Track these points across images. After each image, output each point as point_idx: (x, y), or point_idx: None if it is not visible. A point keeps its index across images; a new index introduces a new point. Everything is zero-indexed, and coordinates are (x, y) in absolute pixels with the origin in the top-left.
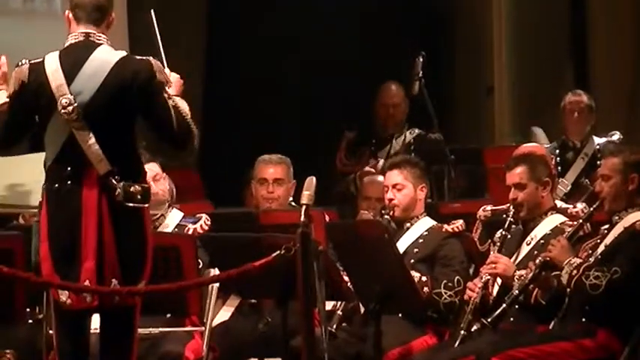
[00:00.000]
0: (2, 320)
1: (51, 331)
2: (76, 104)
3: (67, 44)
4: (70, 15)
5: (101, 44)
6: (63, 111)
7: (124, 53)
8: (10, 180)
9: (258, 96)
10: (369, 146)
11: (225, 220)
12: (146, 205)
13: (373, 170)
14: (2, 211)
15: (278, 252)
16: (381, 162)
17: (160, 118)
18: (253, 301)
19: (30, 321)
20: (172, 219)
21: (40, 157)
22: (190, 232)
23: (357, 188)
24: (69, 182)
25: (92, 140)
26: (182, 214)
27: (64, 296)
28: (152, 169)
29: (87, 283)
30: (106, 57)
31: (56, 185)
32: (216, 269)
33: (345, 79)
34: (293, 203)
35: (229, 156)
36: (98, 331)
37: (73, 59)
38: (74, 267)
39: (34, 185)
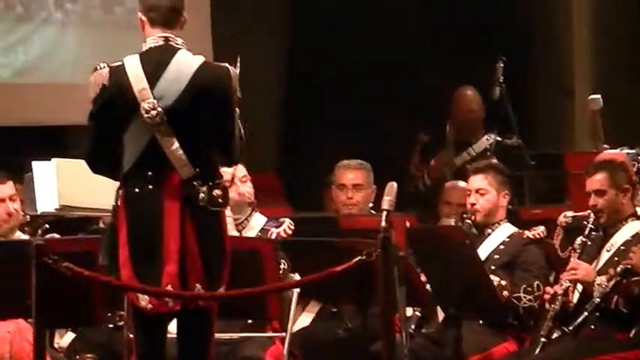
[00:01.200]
0: (83, 324)
1: (131, 335)
2: (159, 109)
3: (146, 48)
4: (144, 17)
5: (180, 49)
6: (146, 115)
7: (202, 58)
8: (91, 183)
9: (338, 101)
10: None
11: (305, 224)
12: (224, 209)
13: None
14: (82, 214)
15: (359, 257)
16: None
17: (227, 126)
18: (334, 309)
19: (110, 325)
20: (256, 223)
21: None
22: (274, 237)
23: (425, 186)
24: (150, 186)
25: (175, 145)
26: (265, 218)
27: (143, 301)
28: (240, 170)
29: (169, 287)
30: (187, 62)
31: (136, 189)
32: (297, 274)
33: (422, 83)
34: (372, 211)
35: (309, 160)
36: (174, 334)
37: (155, 63)
38: (155, 271)
39: (113, 189)
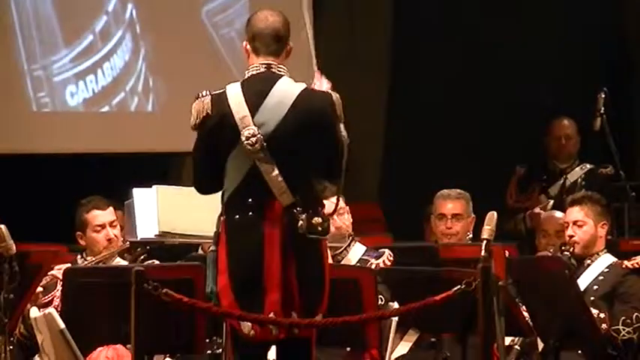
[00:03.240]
0: (182, 351)
1: None
2: (259, 136)
3: (248, 75)
4: (248, 46)
5: (282, 76)
6: (247, 142)
7: (304, 85)
8: (191, 210)
9: (437, 132)
10: (540, 182)
11: (405, 253)
12: (326, 237)
13: (542, 212)
14: (182, 241)
15: (459, 286)
16: (551, 203)
17: (333, 154)
18: (433, 339)
19: (208, 352)
20: (355, 253)
21: None
22: (373, 267)
23: (526, 227)
24: (250, 213)
25: (276, 172)
26: (365, 247)
27: (246, 328)
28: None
29: (272, 315)
30: (288, 89)
31: (237, 216)
32: (396, 303)
33: (521, 113)
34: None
35: (410, 190)
36: None
37: (256, 91)
38: (256, 298)
39: (213, 216)
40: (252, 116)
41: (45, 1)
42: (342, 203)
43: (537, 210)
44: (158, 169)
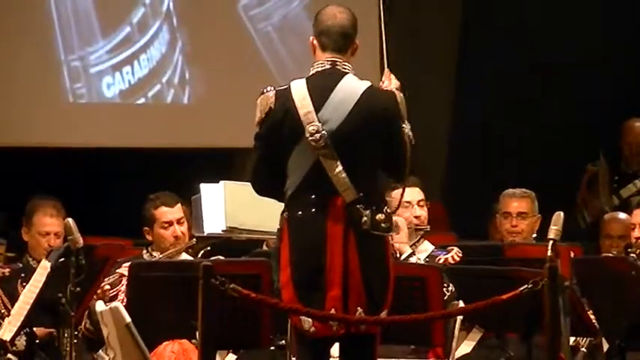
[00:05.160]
0: (248, 346)
1: (293, 359)
2: (324, 132)
3: (313, 72)
4: (315, 42)
5: (347, 73)
6: (311, 138)
7: (369, 83)
8: (257, 206)
9: (503, 129)
10: (611, 183)
11: (470, 252)
12: (389, 234)
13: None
14: (248, 237)
15: (526, 286)
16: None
17: (397, 152)
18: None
19: (272, 347)
20: (424, 250)
21: None
22: (442, 261)
23: (585, 222)
24: (313, 210)
25: (339, 168)
26: (433, 246)
27: (306, 324)
28: (418, 193)
29: (333, 311)
30: (352, 86)
31: (299, 212)
32: (461, 301)
33: (592, 113)
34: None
35: (475, 188)
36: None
37: (321, 87)
38: (318, 295)
39: (278, 212)
40: (317, 112)
41: None
42: (421, 195)
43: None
44: (227, 164)
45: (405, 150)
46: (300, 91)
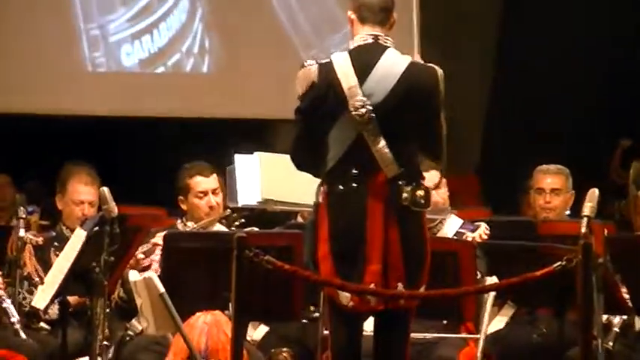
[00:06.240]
0: (280, 318)
1: (326, 332)
2: (369, 106)
3: (354, 45)
4: (354, 15)
5: (389, 47)
6: (355, 112)
7: (410, 58)
8: (292, 178)
9: (540, 105)
10: None
11: (503, 227)
12: (425, 210)
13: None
14: (283, 208)
15: (559, 262)
16: None
17: (435, 129)
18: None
19: (304, 320)
20: (451, 225)
21: None
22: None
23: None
24: (354, 184)
25: (382, 143)
26: (461, 221)
27: (344, 299)
28: (434, 176)
29: (372, 285)
30: (395, 61)
31: (340, 187)
32: (494, 277)
33: (627, 87)
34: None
35: (510, 163)
36: (367, 333)
37: (364, 61)
38: (357, 269)
39: (312, 184)
40: (360, 86)
41: None
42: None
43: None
44: (262, 135)
45: (442, 128)
46: (343, 65)
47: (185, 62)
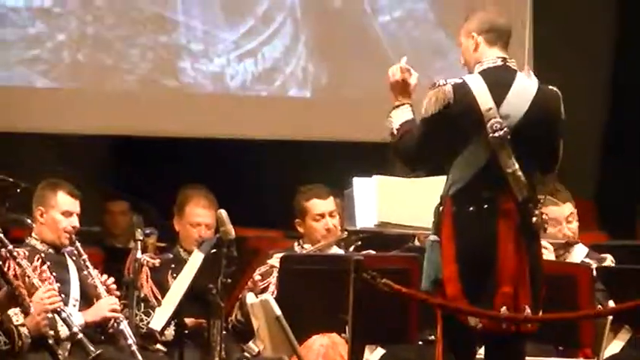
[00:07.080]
0: (397, 340)
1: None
2: (507, 129)
3: (483, 67)
4: (480, 37)
5: (516, 70)
6: (492, 135)
7: (537, 81)
8: (408, 201)
9: None
10: None
11: (620, 251)
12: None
13: None
14: (400, 232)
15: None
16: None
17: (554, 152)
18: None
19: (420, 342)
20: (577, 254)
21: (434, 179)
22: None
23: None
24: (485, 206)
25: (516, 166)
26: (587, 249)
27: (472, 320)
28: (567, 208)
29: (504, 309)
30: (527, 84)
31: (470, 208)
32: (610, 301)
33: None
34: None
35: (627, 187)
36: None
37: (498, 83)
38: (487, 291)
39: (429, 207)
40: (497, 108)
41: None
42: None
43: None
44: (317, 156)
45: (560, 151)
46: (479, 87)
47: (288, 86)
